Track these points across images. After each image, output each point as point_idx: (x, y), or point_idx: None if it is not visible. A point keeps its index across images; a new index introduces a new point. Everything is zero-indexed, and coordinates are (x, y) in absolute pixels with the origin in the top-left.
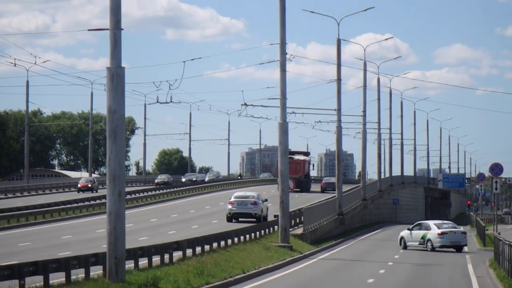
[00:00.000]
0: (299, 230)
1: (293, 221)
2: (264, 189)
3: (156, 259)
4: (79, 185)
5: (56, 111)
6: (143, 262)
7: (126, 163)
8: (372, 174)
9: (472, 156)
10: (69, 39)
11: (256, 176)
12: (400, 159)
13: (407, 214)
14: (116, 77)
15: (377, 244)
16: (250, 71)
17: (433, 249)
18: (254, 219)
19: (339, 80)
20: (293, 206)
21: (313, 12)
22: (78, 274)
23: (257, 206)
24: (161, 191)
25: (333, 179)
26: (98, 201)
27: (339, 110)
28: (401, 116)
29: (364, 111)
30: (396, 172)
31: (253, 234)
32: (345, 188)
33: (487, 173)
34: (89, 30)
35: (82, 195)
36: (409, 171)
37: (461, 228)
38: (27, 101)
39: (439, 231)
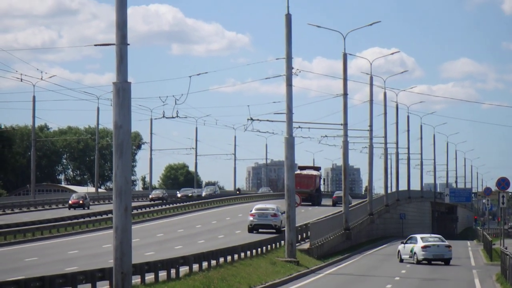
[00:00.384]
0: (306, 245)
1: (299, 235)
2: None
3: (162, 274)
4: (70, 202)
5: (63, 126)
6: (149, 277)
7: (133, 178)
8: (378, 188)
9: (478, 171)
10: (75, 54)
11: (255, 191)
12: (407, 173)
13: (414, 228)
14: (122, 92)
15: (384, 259)
16: (256, 85)
17: (418, 262)
18: (274, 230)
19: (345, 94)
20: (303, 220)
21: (319, 26)
22: None
23: (276, 218)
24: (167, 206)
25: None
26: (104, 216)
27: (345, 124)
28: (408, 131)
29: (371, 126)
30: (403, 186)
31: (259, 249)
32: (354, 202)
33: (494, 188)
34: (95, 45)
35: (87, 211)
36: (415, 186)
37: (446, 242)
38: (34, 116)
39: (423, 244)
